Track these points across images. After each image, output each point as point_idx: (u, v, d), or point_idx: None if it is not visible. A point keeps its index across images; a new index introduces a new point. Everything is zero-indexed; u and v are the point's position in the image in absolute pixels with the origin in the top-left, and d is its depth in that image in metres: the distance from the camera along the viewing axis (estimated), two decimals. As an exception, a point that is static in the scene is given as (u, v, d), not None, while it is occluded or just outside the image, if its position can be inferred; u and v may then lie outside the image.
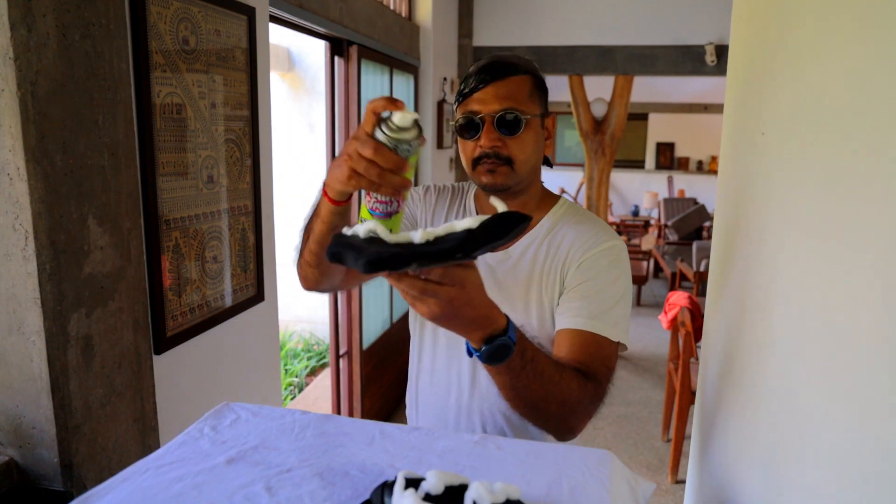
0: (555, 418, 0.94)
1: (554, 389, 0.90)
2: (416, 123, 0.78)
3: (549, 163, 1.19)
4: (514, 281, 1.12)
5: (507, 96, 1.04)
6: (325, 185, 0.90)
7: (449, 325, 0.76)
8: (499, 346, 0.80)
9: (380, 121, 0.78)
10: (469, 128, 1.06)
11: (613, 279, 1.07)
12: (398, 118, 0.77)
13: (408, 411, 1.29)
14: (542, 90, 1.11)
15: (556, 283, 1.10)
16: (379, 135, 0.78)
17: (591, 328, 1.03)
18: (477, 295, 0.74)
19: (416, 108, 3.92)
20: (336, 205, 0.90)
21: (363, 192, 0.85)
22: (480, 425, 1.15)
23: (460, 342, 1.08)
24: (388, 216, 0.83)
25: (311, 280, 1.06)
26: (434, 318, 0.73)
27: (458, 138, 1.10)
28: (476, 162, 1.07)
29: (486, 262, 1.14)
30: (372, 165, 0.78)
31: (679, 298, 3.23)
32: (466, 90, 1.06)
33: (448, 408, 1.17)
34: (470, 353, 0.83)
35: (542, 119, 1.10)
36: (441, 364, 1.19)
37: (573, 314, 1.04)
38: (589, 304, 1.04)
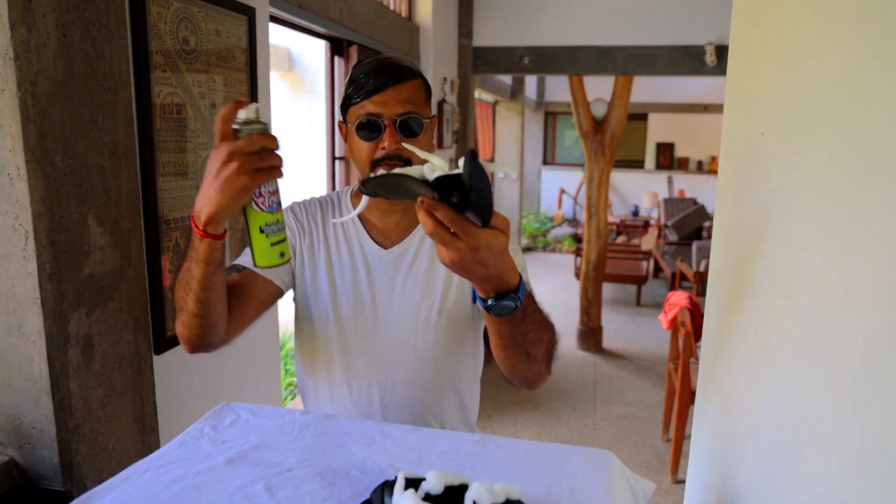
0: (538, 362, 0.98)
1: (542, 335, 0.95)
2: (257, 111, 0.80)
3: None
4: (417, 269, 1.16)
5: (407, 100, 1.07)
6: (202, 224, 0.83)
7: (462, 274, 0.79)
8: (504, 304, 0.83)
9: (234, 131, 0.80)
10: (370, 129, 1.08)
11: (515, 251, 1.08)
12: (242, 114, 0.79)
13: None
14: (429, 93, 1.16)
15: (445, 275, 1.14)
16: (243, 120, 0.80)
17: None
18: (490, 258, 0.76)
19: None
20: (219, 238, 0.85)
21: (251, 202, 0.83)
22: (409, 420, 1.17)
23: (377, 352, 1.14)
24: (280, 206, 0.85)
25: (197, 335, 0.97)
26: (449, 265, 0.76)
27: (352, 138, 1.11)
28: (376, 163, 1.09)
29: (380, 256, 1.17)
30: (267, 153, 0.80)
31: (679, 298, 3.23)
32: (364, 91, 1.08)
33: (373, 409, 1.17)
34: (474, 299, 0.85)
35: (431, 120, 1.15)
36: (376, 365, 1.17)
37: None
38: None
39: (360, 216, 1.19)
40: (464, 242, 0.73)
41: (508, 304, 0.82)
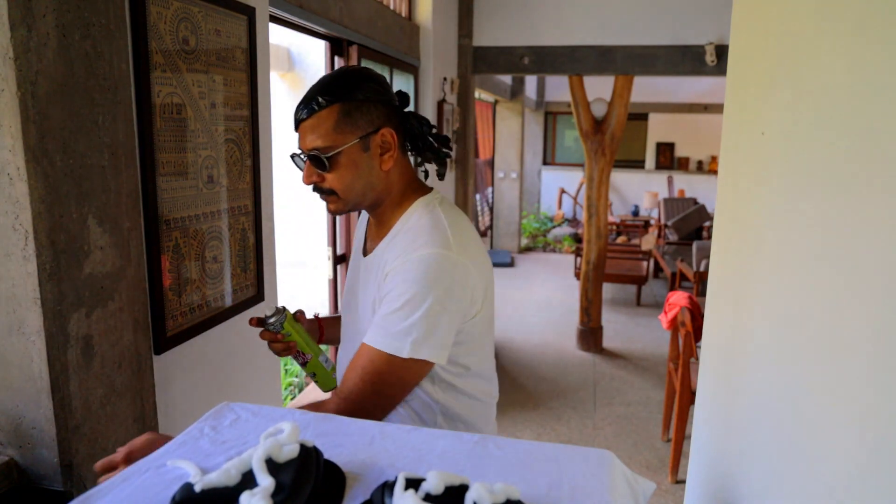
0: None
1: None
2: (277, 311, 1.24)
3: (440, 159, 1.23)
4: (367, 283, 1.16)
5: (313, 135, 1.08)
6: None
7: None
8: None
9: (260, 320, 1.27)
10: (296, 163, 1.15)
11: (412, 295, 1.03)
12: (266, 311, 1.25)
13: None
14: (355, 113, 1.09)
15: (377, 289, 1.11)
16: (265, 322, 1.26)
17: (371, 341, 1.05)
18: None
19: (416, 108, 3.92)
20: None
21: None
22: None
23: (351, 350, 1.18)
24: (304, 365, 1.31)
25: None
26: None
27: None
28: (313, 191, 1.15)
29: (360, 263, 1.23)
30: (269, 344, 1.28)
31: (679, 298, 3.23)
32: (294, 124, 1.13)
33: None
34: None
35: (363, 140, 1.10)
36: (348, 351, 1.26)
37: (371, 327, 1.07)
38: (381, 320, 1.05)
39: (371, 221, 1.27)
40: None
41: None
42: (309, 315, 1.39)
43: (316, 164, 1.09)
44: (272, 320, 1.24)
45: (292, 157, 1.16)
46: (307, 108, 1.09)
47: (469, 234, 1.14)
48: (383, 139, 1.11)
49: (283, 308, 1.25)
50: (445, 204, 1.17)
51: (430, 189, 1.21)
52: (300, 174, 1.14)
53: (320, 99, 1.08)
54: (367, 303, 1.15)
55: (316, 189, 1.13)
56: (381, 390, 1.05)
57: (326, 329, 1.42)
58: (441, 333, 1.04)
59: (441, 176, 1.22)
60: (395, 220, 1.16)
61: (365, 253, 1.22)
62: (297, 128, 1.11)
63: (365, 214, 1.32)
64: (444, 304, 1.04)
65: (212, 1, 1.66)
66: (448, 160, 1.27)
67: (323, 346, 1.39)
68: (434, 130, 1.20)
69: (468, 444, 0.91)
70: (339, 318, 1.38)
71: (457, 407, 1.17)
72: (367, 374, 1.04)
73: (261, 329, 1.26)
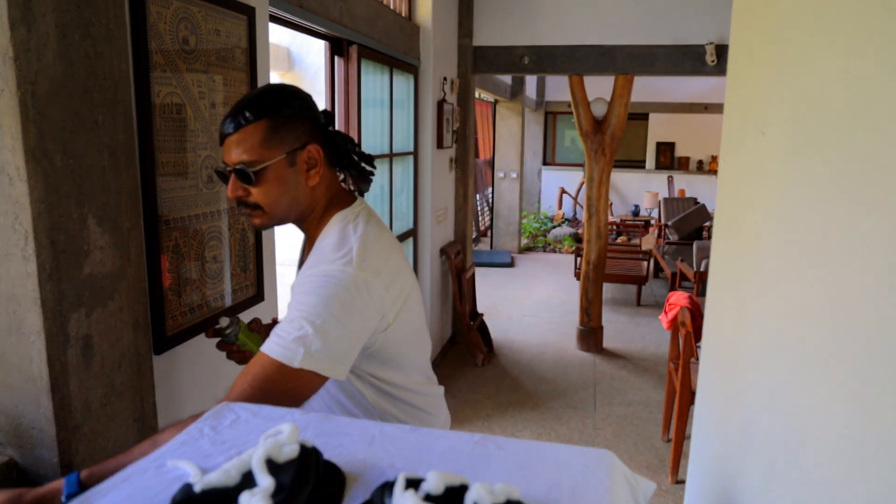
0: None
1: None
2: (231, 322, 1.23)
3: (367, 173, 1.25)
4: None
5: (240, 150, 1.08)
6: None
7: None
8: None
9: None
10: (222, 178, 1.14)
11: (307, 302, 1.03)
12: (221, 322, 1.23)
13: None
14: (282, 129, 1.10)
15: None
16: (220, 333, 1.24)
17: (264, 348, 1.02)
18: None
19: (416, 108, 3.93)
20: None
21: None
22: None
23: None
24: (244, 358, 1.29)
25: None
26: None
27: None
28: (238, 205, 1.14)
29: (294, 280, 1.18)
30: (225, 354, 1.26)
31: (679, 298, 3.23)
32: (220, 139, 1.12)
33: None
34: None
35: (289, 156, 1.10)
36: None
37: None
38: (279, 327, 1.03)
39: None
40: None
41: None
42: (266, 320, 1.40)
43: (242, 178, 1.09)
44: (228, 331, 1.23)
45: (217, 172, 1.15)
46: (234, 122, 1.08)
47: (380, 246, 1.14)
48: (309, 155, 1.12)
49: (237, 318, 1.25)
50: (362, 217, 1.18)
51: (352, 201, 1.21)
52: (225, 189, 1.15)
53: (248, 114, 1.08)
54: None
55: (241, 203, 1.13)
56: (268, 398, 0.99)
57: None
58: (336, 348, 1.03)
59: (362, 192, 1.26)
60: (317, 235, 1.17)
61: (300, 267, 1.23)
62: (222, 142, 1.11)
63: None
64: (340, 320, 1.03)
65: (212, 1, 1.66)
66: (372, 178, 1.28)
67: None
68: (358, 149, 1.23)
69: (468, 444, 0.91)
70: None
71: (393, 410, 1.22)
72: (258, 380, 1.00)
73: (217, 340, 1.25)
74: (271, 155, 1.09)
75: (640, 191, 10.82)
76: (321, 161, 1.14)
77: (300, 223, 1.20)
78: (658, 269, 7.62)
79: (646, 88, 9.44)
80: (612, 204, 9.90)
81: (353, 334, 1.06)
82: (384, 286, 1.10)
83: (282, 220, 1.16)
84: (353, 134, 3.01)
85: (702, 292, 4.54)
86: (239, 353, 1.26)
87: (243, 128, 1.08)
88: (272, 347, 1.01)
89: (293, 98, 1.12)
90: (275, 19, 2.27)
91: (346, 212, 1.18)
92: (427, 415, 1.28)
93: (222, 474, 0.72)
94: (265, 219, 1.14)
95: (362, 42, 2.98)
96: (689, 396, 3.02)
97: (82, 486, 0.89)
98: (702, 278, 4.80)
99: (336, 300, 1.04)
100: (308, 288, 1.05)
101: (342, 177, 1.25)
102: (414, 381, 1.24)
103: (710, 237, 7.58)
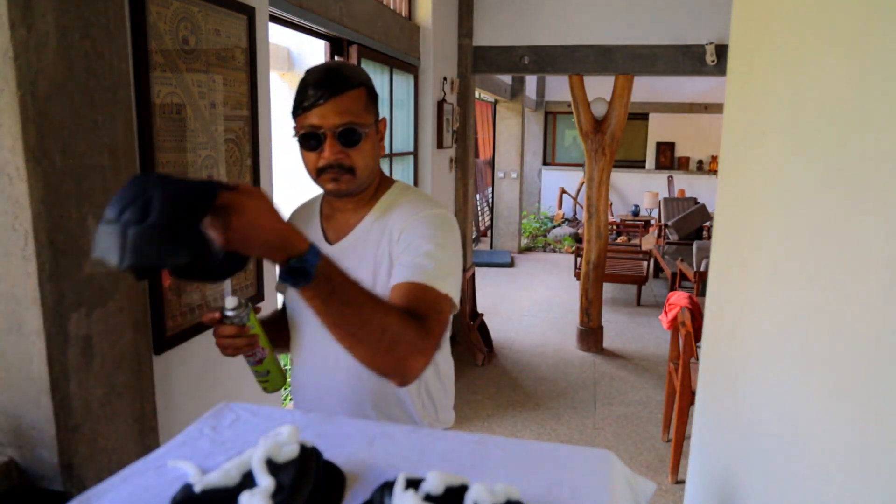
0: (379, 350, 0.93)
1: (371, 317, 0.91)
2: (240, 303, 1.08)
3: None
4: (357, 265, 1.16)
5: (345, 111, 1.11)
6: None
7: (247, 250, 0.82)
8: (295, 267, 0.83)
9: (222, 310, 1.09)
10: (312, 140, 1.12)
11: (433, 239, 1.12)
12: (226, 307, 1.08)
13: (292, 393, 1.37)
14: (374, 99, 1.19)
15: (388, 258, 1.16)
16: (226, 314, 1.09)
17: (416, 278, 1.06)
18: (262, 218, 0.80)
19: (416, 108, 3.93)
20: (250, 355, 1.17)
21: (245, 358, 1.17)
22: (354, 410, 1.22)
23: (319, 341, 1.20)
24: (259, 362, 1.16)
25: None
26: (229, 244, 0.79)
27: (301, 149, 1.15)
28: (321, 171, 1.14)
29: (326, 252, 1.17)
30: (227, 341, 1.09)
31: (679, 298, 3.23)
32: (306, 104, 1.11)
33: (326, 391, 1.24)
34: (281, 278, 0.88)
35: (376, 125, 1.18)
36: (318, 349, 1.24)
37: (400, 272, 1.10)
38: (413, 262, 1.09)
39: (324, 215, 1.28)
40: (232, 212, 0.77)
41: (299, 263, 0.83)
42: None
43: (347, 139, 1.11)
44: (239, 312, 1.10)
45: (307, 135, 1.12)
46: (339, 85, 1.11)
47: None
48: (384, 126, 1.22)
49: (246, 301, 1.13)
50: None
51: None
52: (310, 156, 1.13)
53: (352, 79, 1.13)
54: (368, 271, 1.17)
55: (331, 167, 1.12)
56: (445, 323, 1.06)
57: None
58: (458, 278, 1.13)
59: None
60: (374, 201, 1.23)
61: (332, 241, 1.23)
62: (316, 104, 1.10)
63: (305, 211, 1.33)
64: (458, 253, 1.16)
65: (212, 1, 1.66)
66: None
67: None
68: None
69: (469, 443, 0.91)
70: (278, 317, 1.35)
71: (435, 382, 1.26)
72: (432, 302, 1.04)
73: (219, 324, 1.11)
74: (370, 120, 1.15)
75: (640, 191, 10.82)
76: (383, 136, 1.22)
77: (361, 190, 1.20)
78: (658, 269, 7.62)
79: (646, 88, 9.44)
80: (612, 204, 9.90)
81: (460, 269, 1.16)
82: None
83: (361, 186, 1.18)
84: (353, 134, 3.01)
85: (702, 292, 4.54)
86: (245, 338, 1.12)
87: (348, 92, 1.11)
88: (420, 276, 1.05)
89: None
90: (275, 19, 2.27)
91: (400, 182, 1.27)
92: (448, 393, 1.33)
93: (222, 474, 0.72)
94: (353, 184, 1.15)
95: (362, 42, 2.98)
96: (689, 396, 3.02)
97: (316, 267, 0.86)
98: (702, 278, 4.80)
99: (453, 236, 1.16)
100: (430, 225, 1.14)
101: None
102: (445, 351, 1.30)
103: (710, 237, 7.58)
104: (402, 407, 1.23)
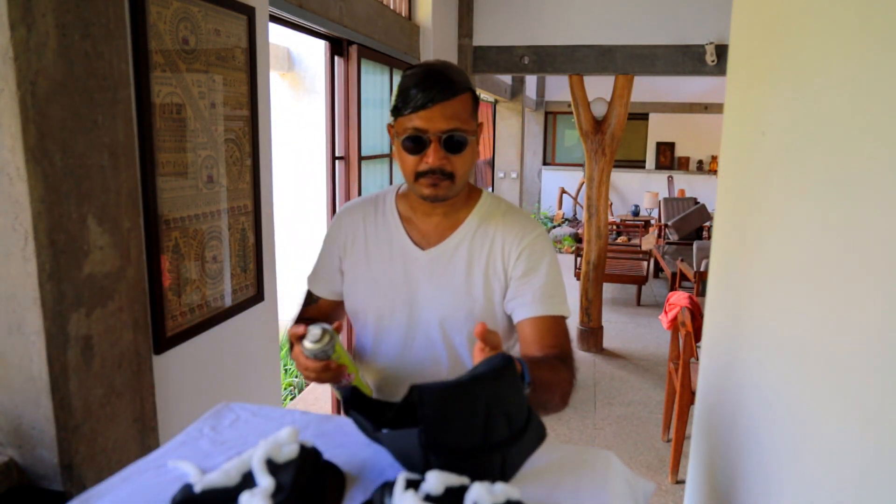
0: (558, 406, 1.10)
1: (557, 389, 1.07)
2: (323, 334, 1.01)
3: None
4: (452, 271, 1.20)
5: (453, 116, 1.09)
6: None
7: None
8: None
9: (300, 338, 1.03)
10: (416, 143, 1.10)
11: (549, 264, 1.20)
12: (307, 342, 1.00)
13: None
14: (477, 104, 1.17)
15: (499, 272, 1.20)
16: (307, 349, 1.01)
17: (549, 311, 1.17)
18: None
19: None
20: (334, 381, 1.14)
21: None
22: None
23: (408, 349, 1.22)
24: (346, 387, 1.04)
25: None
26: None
27: (398, 149, 1.14)
28: (420, 175, 1.12)
29: (418, 257, 1.21)
30: (312, 374, 1.04)
31: (679, 298, 3.23)
32: (413, 106, 1.08)
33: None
34: None
35: (477, 132, 1.17)
36: (390, 365, 1.24)
37: (531, 303, 1.17)
38: (541, 292, 1.17)
39: (403, 217, 1.25)
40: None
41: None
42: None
43: (452, 145, 1.09)
44: (324, 346, 1.00)
45: (411, 138, 1.09)
46: (448, 90, 1.08)
47: None
48: (482, 132, 1.21)
49: (329, 329, 1.02)
50: None
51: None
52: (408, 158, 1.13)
53: (461, 84, 1.11)
54: (463, 275, 1.20)
55: (432, 172, 1.10)
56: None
57: None
58: (566, 293, 1.24)
59: None
60: (467, 207, 1.23)
61: (423, 246, 1.22)
62: (424, 107, 1.07)
63: (346, 221, 1.30)
64: (560, 269, 1.23)
65: (211, 1, 1.66)
66: None
67: None
68: None
69: (468, 444, 0.91)
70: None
71: None
72: (565, 333, 1.19)
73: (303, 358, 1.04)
74: (474, 126, 1.14)
75: (640, 191, 10.82)
76: (479, 137, 1.20)
77: (454, 195, 1.18)
78: (658, 269, 7.62)
79: (646, 88, 9.43)
80: (612, 204, 9.90)
81: None
82: None
83: (457, 192, 1.17)
84: (354, 134, 3.01)
85: (702, 292, 4.54)
86: (334, 370, 1.04)
87: (458, 97, 1.09)
88: (552, 307, 1.17)
89: None
90: (275, 19, 2.27)
91: (486, 192, 1.28)
92: None
93: (222, 474, 0.72)
94: (451, 190, 1.15)
95: (362, 42, 2.98)
96: (689, 396, 3.02)
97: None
98: (702, 278, 4.80)
99: (555, 254, 1.23)
100: (545, 251, 1.21)
101: None
102: None
103: (710, 237, 7.58)
104: None
